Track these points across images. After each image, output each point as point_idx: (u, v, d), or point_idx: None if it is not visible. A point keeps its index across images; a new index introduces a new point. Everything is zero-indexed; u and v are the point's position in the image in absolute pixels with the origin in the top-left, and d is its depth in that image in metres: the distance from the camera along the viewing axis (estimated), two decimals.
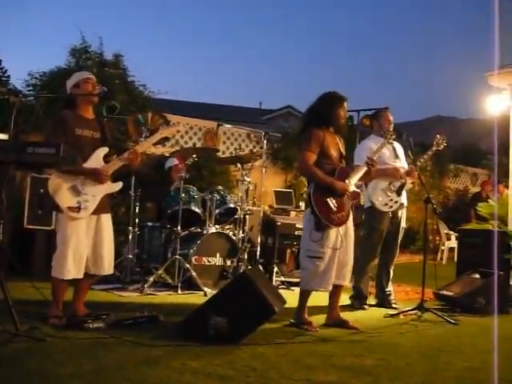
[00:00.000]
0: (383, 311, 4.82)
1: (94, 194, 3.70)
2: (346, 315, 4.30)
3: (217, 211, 5.81)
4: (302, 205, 7.59)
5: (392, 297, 5.16)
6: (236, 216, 5.94)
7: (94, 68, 7.03)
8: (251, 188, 6.28)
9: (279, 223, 6.52)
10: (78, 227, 3.64)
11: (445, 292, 5.30)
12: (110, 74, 7.51)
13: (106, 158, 3.82)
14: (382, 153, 4.59)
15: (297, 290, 4.35)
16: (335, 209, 3.95)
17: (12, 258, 3.91)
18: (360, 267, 5.05)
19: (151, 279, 5.22)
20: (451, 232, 10.40)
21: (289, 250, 6.98)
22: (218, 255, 5.61)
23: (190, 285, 5.35)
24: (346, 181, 4.04)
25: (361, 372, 2.88)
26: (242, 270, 5.45)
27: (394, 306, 5.04)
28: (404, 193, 5.08)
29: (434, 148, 5.20)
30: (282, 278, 6.06)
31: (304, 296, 4.06)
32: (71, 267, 3.61)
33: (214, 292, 4.18)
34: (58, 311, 3.64)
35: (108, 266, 3.85)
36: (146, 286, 5.13)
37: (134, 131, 5.67)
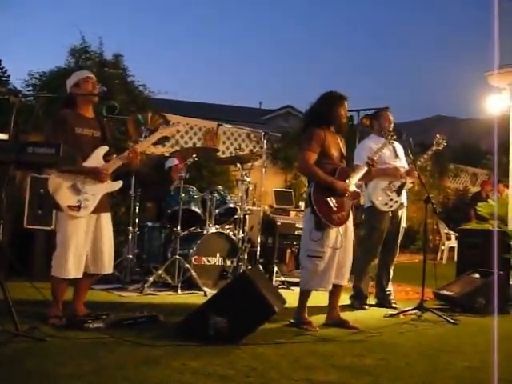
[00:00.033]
0: (383, 311, 4.82)
1: (94, 192, 3.70)
2: (346, 315, 4.30)
3: (217, 211, 5.81)
4: (302, 205, 7.59)
5: (392, 297, 5.17)
6: (236, 216, 5.94)
7: (93, 68, 7.03)
8: (251, 188, 6.27)
9: (279, 223, 6.52)
10: (78, 226, 3.64)
11: (445, 292, 5.30)
12: (110, 74, 7.51)
13: (106, 157, 3.82)
14: (382, 153, 4.60)
15: (297, 289, 4.35)
16: (335, 208, 3.95)
17: (12, 258, 3.90)
18: (360, 267, 5.05)
19: (151, 279, 5.22)
20: (451, 232, 10.40)
21: (289, 250, 6.99)
22: (217, 255, 5.61)
23: (190, 285, 5.35)
24: (347, 181, 4.05)
25: (361, 372, 2.88)
26: (241, 270, 5.45)
27: (394, 305, 5.04)
28: (404, 192, 5.08)
29: (433, 147, 5.20)
30: (282, 278, 6.06)
31: (304, 296, 4.07)
32: (71, 267, 3.61)
33: (214, 292, 4.18)
34: (57, 311, 3.64)
35: (108, 265, 3.85)
36: (145, 285, 5.13)
37: (133, 131, 5.67)
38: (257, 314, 3.43)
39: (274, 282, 5.89)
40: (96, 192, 3.71)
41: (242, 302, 3.40)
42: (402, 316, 4.59)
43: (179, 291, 5.21)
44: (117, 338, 3.24)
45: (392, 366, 3.06)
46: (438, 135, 5.25)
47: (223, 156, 9.01)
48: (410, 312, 4.61)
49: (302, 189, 9.99)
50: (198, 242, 5.47)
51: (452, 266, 7.09)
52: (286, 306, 3.89)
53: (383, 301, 5.11)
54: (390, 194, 4.97)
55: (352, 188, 4.07)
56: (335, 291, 4.13)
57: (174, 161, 6.30)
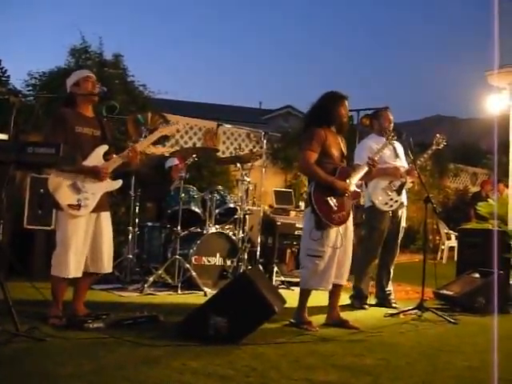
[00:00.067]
0: (383, 311, 4.82)
1: (93, 191, 3.70)
2: (346, 315, 4.30)
3: (217, 211, 5.80)
4: (302, 204, 7.59)
5: (392, 296, 5.17)
6: (236, 216, 5.94)
7: (93, 68, 7.03)
8: (251, 188, 6.27)
9: (279, 223, 6.52)
10: (77, 225, 3.64)
11: (445, 291, 5.30)
12: (110, 74, 7.52)
13: (106, 157, 3.82)
14: (382, 153, 4.60)
15: (297, 289, 4.35)
16: (336, 208, 3.95)
17: (12, 258, 3.90)
18: (361, 267, 5.06)
19: (151, 279, 5.22)
20: (451, 231, 10.40)
21: (289, 250, 6.99)
22: (217, 255, 5.61)
23: (190, 285, 5.35)
24: (347, 180, 4.05)
25: (361, 372, 2.88)
26: (241, 270, 5.45)
27: (394, 305, 5.04)
28: (404, 192, 5.08)
29: (433, 147, 5.20)
30: (282, 278, 6.06)
31: (304, 295, 4.07)
32: (72, 266, 3.60)
33: (214, 292, 4.18)
34: (57, 311, 3.64)
35: (107, 265, 3.85)
36: (145, 285, 5.13)
37: (133, 131, 5.67)
38: (257, 314, 3.43)
39: (273, 282, 5.89)
40: (96, 191, 3.71)
41: (241, 301, 3.40)
42: (402, 316, 4.59)
43: (179, 291, 5.21)
44: (117, 338, 3.24)
45: (392, 365, 3.06)
46: (437, 135, 5.25)
47: (223, 156, 9.02)
48: (410, 312, 4.61)
49: (301, 189, 10.00)
50: (198, 242, 5.47)
51: (452, 265, 7.09)
52: (286, 305, 3.89)
53: (383, 300, 5.11)
54: (390, 193, 4.97)
55: (352, 188, 4.08)
56: (335, 291, 4.13)
57: (175, 161, 6.31)
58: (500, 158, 9.26)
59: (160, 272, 5.35)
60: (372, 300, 5.16)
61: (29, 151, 3.27)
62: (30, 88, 7.36)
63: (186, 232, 5.63)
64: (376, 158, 4.29)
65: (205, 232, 5.59)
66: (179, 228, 5.43)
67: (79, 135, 3.72)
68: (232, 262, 5.64)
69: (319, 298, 4.30)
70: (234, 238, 5.72)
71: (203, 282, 5.32)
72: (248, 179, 6.00)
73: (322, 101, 4.16)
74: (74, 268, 3.62)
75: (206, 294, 5.10)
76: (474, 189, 13.41)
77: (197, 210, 5.74)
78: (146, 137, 5.05)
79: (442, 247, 10.63)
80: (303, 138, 4.10)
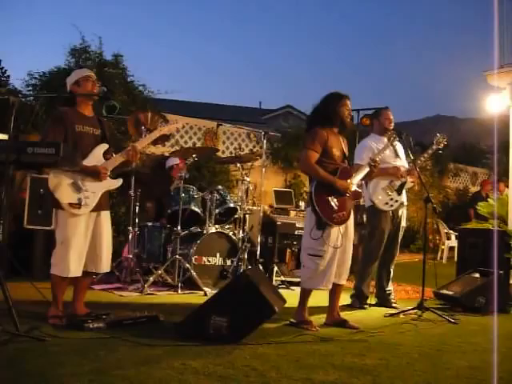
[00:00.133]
0: (383, 310, 4.82)
1: (94, 190, 3.70)
2: (346, 315, 4.30)
3: (217, 211, 5.80)
4: (302, 204, 7.60)
5: (392, 296, 5.16)
6: (236, 216, 5.94)
7: (93, 68, 7.04)
8: (251, 188, 6.27)
9: (279, 223, 6.52)
10: (77, 224, 3.64)
11: (445, 291, 5.30)
12: (110, 74, 7.52)
13: (106, 156, 3.82)
14: (383, 153, 4.61)
15: (297, 289, 4.35)
16: (336, 207, 3.95)
17: (12, 258, 3.90)
18: (363, 267, 5.05)
19: (151, 279, 5.23)
20: (451, 231, 10.40)
21: (289, 250, 6.98)
22: (217, 255, 5.61)
23: (190, 284, 5.36)
24: (348, 180, 4.05)
25: (361, 371, 2.88)
26: (241, 270, 5.45)
27: (394, 305, 5.04)
28: (404, 192, 5.08)
29: (434, 147, 5.19)
30: (282, 278, 6.06)
31: (304, 295, 4.07)
32: (72, 265, 3.60)
33: (214, 292, 4.18)
34: (57, 311, 3.64)
35: (106, 264, 3.85)
36: (146, 285, 5.13)
37: (133, 131, 5.68)
38: (257, 314, 3.43)
39: (273, 282, 5.89)
40: (96, 190, 3.71)
41: (242, 301, 3.40)
42: (402, 315, 4.59)
43: (179, 291, 5.22)
44: (117, 337, 3.24)
45: (392, 365, 3.06)
46: (438, 134, 5.24)
47: (223, 156, 9.02)
48: (410, 311, 4.61)
49: (301, 188, 10.02)
50: (198, 241, 5.47)
51: (452, 265, 7.10)
52: (286, 305, 3.89)
53: (383, 300, 5.11)
54: (390, 193, 4.96)
55: (353, 188, 4.08)
56: (335, 290, 4.13)
57: (176, 160, 6.31)
58: (500, 157, 9.27)
59: (160, 272, 5.35)
60: (372, 300, 5.15)
61: (29, 151, 3.27)
62: (30, 88, 7.37)
63: (186, 232, 5.63)
64: (377, 159, 4.29)
65: (205, 232, 5.59)
66: (179, 228, 5.43)
67: (79, 134, 3.72)
68: (232, 261, 5.64)
69: (319, 297, 4.30)
70: (234, 237, 5.72)
71: (203, 281, 5.32)
72: (248, 179, 6.00)
73: (324, 102, 4.17)
74: (73, 267, 3.62)
75: (206, 294, 5.11)
76: (474, 188, 13.43)
77: (197, 209, 5.74)
78: (145, 136, 5.06)
79: (442, 247, 10.63)
80: (305, 138, 4.11)
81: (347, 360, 3.09)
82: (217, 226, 5.78)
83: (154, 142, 4.83)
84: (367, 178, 4.56)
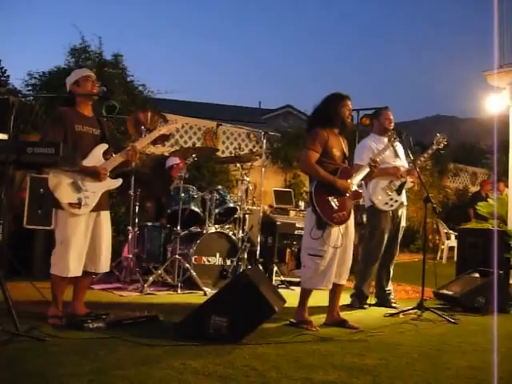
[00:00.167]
0: (383, 310, 4.82)
1: (94, 190, 3.70)
2: (345, 314, 4.31)
3: (216, 211, 5.80)
4: (302, 204, 7.60)
5: (392, 296, 5.16)
6: (236, 216, 5.94)
7: (93, 68, 7.04)
8: (251, 187, 6.27)
9: (279, 223, 6.52)
10: (77, 224, 3.64)
11: (445, 291, 5.30)
12: (110, 74, 7.52)
13: (105, 155, 3.82)
14: (384, 154, 4.61)
15: (297, 289, 4.35)
16: (336, 207, 3.96)
17: (12, 258, 3.90)
18: (363, 268, 5.06)
19: (151, 279, 5.23)
20: (451, 231, 10.40)
21: (288, 250, 6.98)
22: (217, 255, 5.61)
23: (190, 284, 5.36)
24: (349, 180, 4.06)
25: (361, 371, 2.88)
26: (241, 270, 5.45)
27: (393, 305, 5.04)
28: (404, 192, 5.08)
29: (434, 147, 5.19)
30: (282, 278, 6.06)
31: (305, 295, 4.07)
32: (72, 265, 3.60)
33: (214, 292, 4.18)
34: (57, 311, 3.64)
35: (105, 264, 3.85)
36: (145, 285, 5.13)
37: (133, 131, 5.68)
38: (257, 314, 3.43)
39: (273, 282, 5.89)
40: (96, 189, 3.71)
41: (241, 301, 3.40)
42: (401, 315, 4.59)
43: (179, 291, 5.22)
44: (117, 337, 3.24)
45: (392, 365, 3.06)
46: (438, 134, 5.23)
47: (223, 156, 9.02)
48: (410, 311, 4.61)
49: (301, 188, 10.02)
50: (198, 241, 5.47)
51: (452, 265, 7.10)
52: (286, 305, 3.89)
53: (383, 300, 5.11)
54: (390, 193, 4.96)
55: (354, 188, 4.08)
56: (335, 290, 4.13)
57: (176, 160, 6.31)
58: (500, 157, 9.27)
59: (160, 272, 5.36)
60: (372, 300, 5.15)
61: (28, 151, 3.27)
62: (30, 88, 7.37)
63: (185, 232, 5.63)
64: (378, 160, 4.30)
65: (204, 232, 5.58)
66: (179, 228, 5.43)
67: (79, 134, 3.72)
68: (232, 261, 5.64)
69: (319, 297, 4.30)
70: (233, 237, 5.72)
71: (203, 281, 5.32)
72: (248, 179, 6.00)
73: (325, 102, 4.18)
74: (73, 267, 3.62)
75: (205, 294, 5.11)
76: (474, 188, 13.43)
77: (197, 209, 5.73)
78: (145, 136, 5.06)
79: (442, 247, 10.63)
80: (306, 138, 4.12)
81: (347, 360, 3.09)
82: (216, 225, 5.78)
83: (154, 142, 4.83)
84: (367, 179, 4.56)
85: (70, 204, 3.59)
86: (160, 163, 6.63)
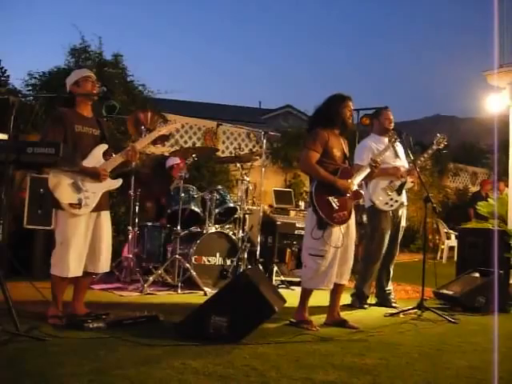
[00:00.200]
0: (383, 310, 4.82)
1: (94, 190, 3.70)
2: (346, 314, 4.30)
3: (216, 211, 5.80)
4: (302, 204, 7.60)
5: (392, 296, 5.16)
6: (236, 216, 5.94)
7: (93, 68, 7.04)
8: (251, 187, 6.27)
9: (279, 222, 6.52)
10: (77, 224, 3.64)
11: (445, 291, 5.29)
12: (110, 74, 7.52)
13: (105, 156, 3.82)
14: (384, 154, 4.61)
15: (297, 289, 4.35)
16: (337, 207, 3.96)
17: (12, 258, 3.90)
18: (364, 268, 5.05)
19: (151, 279, 5.22)
20: (451, 231, 10.40)
21: (288, 250, 6.98)
22: (217, 255, 5.60)
23: (190, 284, 5.36)
24: (349, 180, 4.06)
25: (361, 371, 2.88)
26: (241, 270, 5.45)
27: (393, 305, 5.04)
28: (404, 192, 5.08)
29: (434, 147, 5.19)
30: (282, 278, 6.05)
31: (305, 294, 4.07)
32: (72, 265, 3.60)
33: (214, 291, 4.18)
34: (57, 311, 3.63)
35: (105, 264, 3.85)
36: (145, 285, 5.13)
37: (133, 131, 5.68)
38: (257, 314, 3.43)
39: (273, 282, 5.88)
40: (96, 190, 3.71)
41: (241, 301, 3.40)
42: (401, 315, 4.59)
43: (179, 291, 5.22)
44: (117, 337, 3.24)
45: (392, 365, 3.06)
46: (438, 134, 5.23)
47: (223, 155, 9.02)
48: (410, 311, 4.61)
49: (301, 188, 10.02)
50: (198, 241, 5.46)
51: (452, 265, 7.10)
52: (286, 305, 3.89)
53: (383, 300, 5.11)
54: (390, 193, 4.96)
55: (354, 188, 4.08)
56: (336, 290, 4.13)
57: (176, 160, 6.31)
58: (500, 156, 9.27)
59: (160, 272, 5.36)
60: (372, 299, 5.15)
61: (28, 151, 3.27)
62: (30, 88, 7.37)
63: (185, 232, 5.63)
64: (379, 160, 4.30)
65: (205, 232, 5.58)
66: (179, 228, 5.43)
67: (79, 134, 3.72)
68: (232, 261, 5.64)
69: (320, 297, 4.30)
70: (233, 237, 5.72)
71: (203, 281, 5.32)
72: (248, 179, 6.00)
73: (327, 103, 4.19)
74: (73, 267, 3.61)
75: (206, 294, 5.11)
76: (474, 188, 13.43)
77: (197, 209, 5.73)
78: (145, 136, 5.07)
79: (442, 247, 10.63)
80: (307, 138, 4.12)
81: (347, 360, 3.09)
82: (217, 225, 5.78)
83: (154, 142, 4.83)
84: (367, 179, 4.56)
85: (71, 204, 3.59)
86: (160, 163, 6.62)
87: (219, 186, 6.12)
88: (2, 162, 3.26)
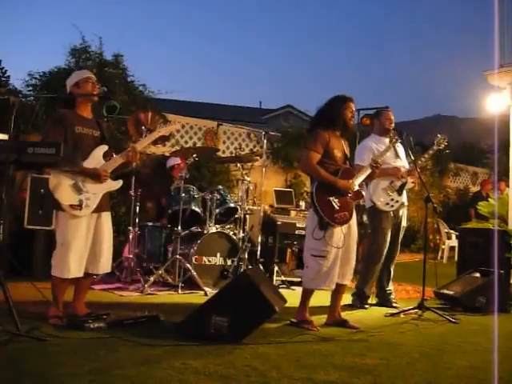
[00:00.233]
0: (384, 310, 4.81)
1: (95, 191, 3.70)
2: (346, 314, 4.31)
3: (217, 211, 5.80)
4: (303, 204, 7.60)
5: (393, 296, 5.16)
6: (236, 216, 5.94)
7: (93, 68, 7.04)
8: (251, 187, 6.27)
9: (279, 223, 6.51)
10: (78, 226, 3.64)
11: (445, 291, 5.29)
12: (110, 74, 7.53)
13: (105, 157, 3.82)
14: (385, 155, 4.61)
15: (297, 289, 4.35)
16: (338, 208, 3.96)
17: (12, 258, 3.90)
18: (365, 268, 5.05)
19: (152, 279, 5.22)
20: (452, 231, 10.40)
21: (289, 250, 6.98)
22: (218, 255, 5.60)
23: (191, 284, 5.36)
24: (350, 180, 4.06)
25: (361, 371, 2.88)
26: (242, 270, 5.45)
27: (394, 305, 5.04)
28: (404, 192, 5.07)
29: (434, 147, 5.18)
30: (283, 278, 6.05)
31: (306, 295, 4.07)
32: (73, 266, 3.60)
33: (215, 292, 4.18)
34: (58, 311, 3.64)
35: (106, 265, 3.85)
36: (146, 285, 5.13)
37: (134, 131, 5.68)
38: (257, 314, 3.43)
39: (274, 282, 5.88)
40: (97, 191, 3.71)
41: (242, 301, 3.40)
42: (402, 315, 4.58)
43: (180, 291, 5.21)
44: (117, 337, 3.24)
45: (393, 365, 3.05)
46: (438, 135, 5.22)
47: (223, 155, 9.03)
48: (411, 311, 4.61)
49: (302, 188, 10.02)
50: (199, 241, 5.46)
51: (452, 265, 7.10)
52: (287, 305, 3.89)
53: (384, 300, 5.11)
54: (391, 193, 4.96)
55: (355, 188, 4.08)
56: (338, 291, 4.13)
57: (176, 160, 6.31)
58: (500, 156, 9.26)
59: (160, 272, 5.35)
60: (373, 299, 5.15)
61: (29, 151, 3.27)
62: (30, 88, 7.38)
63: (186, 232, 5.63)
64: (379, 160, 4.29)
65: (205, 232, 5.58)
66: (180, 228, 5.43)
67: (79, 135, 3.72)
68: (232, 261, 5.64)
69: (320, 297, 4.30)
70: (234, 237, 5.72)
71: (204, 281, 5.32)
72: (248, 179, 6.00)
73: (329, 104, 4.19)
74: (74, 268, 3.61)
75: (206, 294, 5.10)
76: (475, 188, 13.42)
77: (197, 209, 5.73)
78: (146, 137, 5.07)
79: (443, 247, 10.62)
80: (307, 139, 4.13)
81: (348, 360, 3.09)
82: (217, 225, 5.78)
83: (154, 142, 4.83)
84: (368, 179, 4.56)
85: (71, 206, 3.59)
86: (161, 163, 6.63)
87: (220, 186, 6.12)
88: (3, 162, 3.26)
